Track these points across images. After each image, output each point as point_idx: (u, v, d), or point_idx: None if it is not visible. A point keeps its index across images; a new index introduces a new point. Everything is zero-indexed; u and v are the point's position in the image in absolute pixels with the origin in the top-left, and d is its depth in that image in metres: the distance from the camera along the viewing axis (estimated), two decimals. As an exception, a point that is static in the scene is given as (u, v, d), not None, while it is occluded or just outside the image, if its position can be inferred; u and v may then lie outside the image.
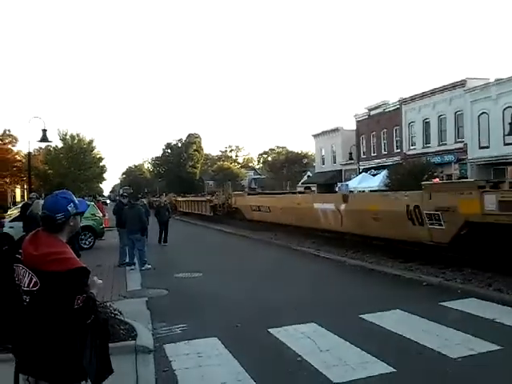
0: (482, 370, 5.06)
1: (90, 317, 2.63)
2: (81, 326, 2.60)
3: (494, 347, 5.60)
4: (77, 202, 2.88)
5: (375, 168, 40.62)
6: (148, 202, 46.97)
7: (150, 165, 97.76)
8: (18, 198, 55.33)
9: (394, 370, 5.02)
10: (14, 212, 18.20)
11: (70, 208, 2.79)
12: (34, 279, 2.59)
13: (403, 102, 38.31)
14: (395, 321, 6.88)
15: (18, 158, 46.12)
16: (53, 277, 2.54)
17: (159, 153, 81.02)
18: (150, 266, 12.51)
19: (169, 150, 78.07)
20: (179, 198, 44.42)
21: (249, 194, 28.24)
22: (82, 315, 2.58)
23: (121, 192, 31.76)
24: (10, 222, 15.86)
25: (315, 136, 53.52)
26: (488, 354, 5.41)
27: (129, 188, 57.96)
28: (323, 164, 51.89)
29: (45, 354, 2.57)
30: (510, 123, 25.81)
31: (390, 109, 40.35)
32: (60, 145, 46.59)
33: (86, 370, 2.63)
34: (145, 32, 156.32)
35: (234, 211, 27.35)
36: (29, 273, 2.61)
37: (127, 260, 13.02)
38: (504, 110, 28.75)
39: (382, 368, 5.09)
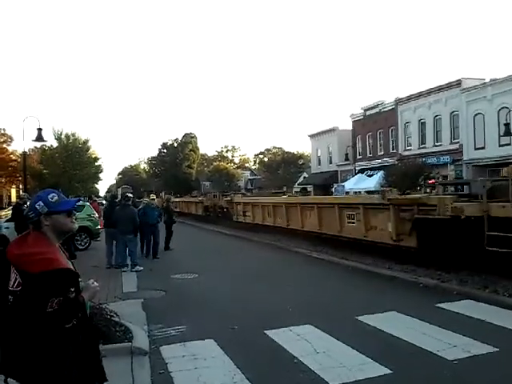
0: (478, 372, 5.06)
1: (70, 321, 2.55)
2: (58, 330, 2.52)
3: (491, 349, 5.61)
4: (52, 200, 2.72)
5: (371, 169, 40.68)
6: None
7: (146, 165, 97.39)
8: (14, 199, 55.07)
9: (391, 372, 5.02)
10: (8, 213, 18.05)
11: (37, 206, 2.69)
12: (18, 279, 2.53)
13: (399, 102, 38.38)
14: (392, 322, 6.88)
15: (13, 157, 45.83)
16: (28, 277, 2.49)
17: (155, 153, 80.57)
18: (141, 268, 12.46)
19: (165, 150, 77.66)
20: (240, 199, 26.45)
21: None
22: (57, 319, 2.50)
23: (120, 191, 31.18)
24: (5, 222, 15.74)
25: (311, 136, 53.54)
26: (485, 356, 5.42)
27: (129, 187, 57.10)
28: (319, 165, 51.90)
29: (22, 356, 2.51)
30: (505, 124, 25.81)
31: (386, 109, 40.38)
32: (55, 144, 46.37)
33: (65, 379, 2.54)
34: (142, 31, 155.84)
35: None
36: (15, 273, 2.56)
37: (113, 260, 13.11)
38: (499, 110, 28.72)
39: (378, 370, 5.09)
